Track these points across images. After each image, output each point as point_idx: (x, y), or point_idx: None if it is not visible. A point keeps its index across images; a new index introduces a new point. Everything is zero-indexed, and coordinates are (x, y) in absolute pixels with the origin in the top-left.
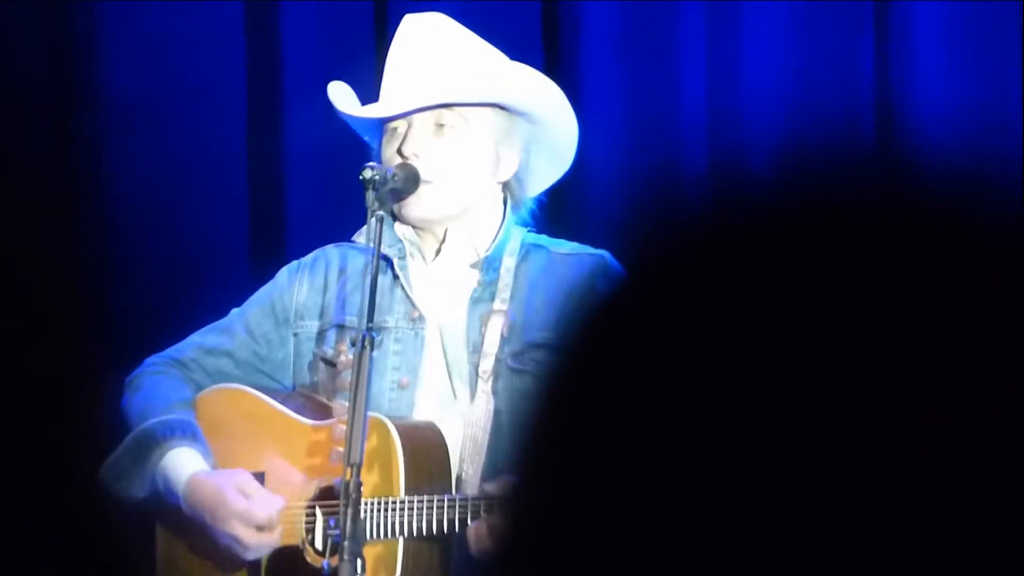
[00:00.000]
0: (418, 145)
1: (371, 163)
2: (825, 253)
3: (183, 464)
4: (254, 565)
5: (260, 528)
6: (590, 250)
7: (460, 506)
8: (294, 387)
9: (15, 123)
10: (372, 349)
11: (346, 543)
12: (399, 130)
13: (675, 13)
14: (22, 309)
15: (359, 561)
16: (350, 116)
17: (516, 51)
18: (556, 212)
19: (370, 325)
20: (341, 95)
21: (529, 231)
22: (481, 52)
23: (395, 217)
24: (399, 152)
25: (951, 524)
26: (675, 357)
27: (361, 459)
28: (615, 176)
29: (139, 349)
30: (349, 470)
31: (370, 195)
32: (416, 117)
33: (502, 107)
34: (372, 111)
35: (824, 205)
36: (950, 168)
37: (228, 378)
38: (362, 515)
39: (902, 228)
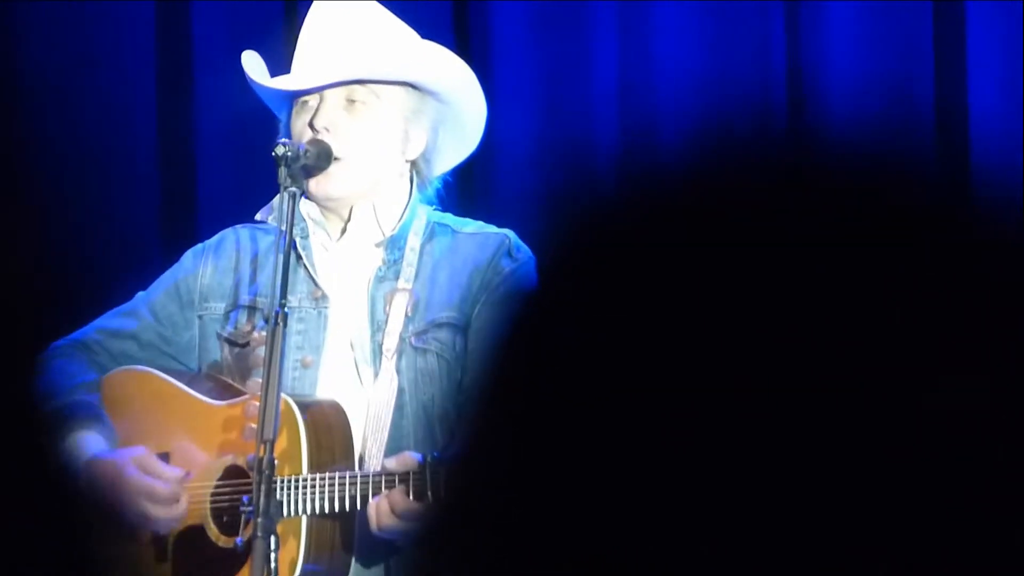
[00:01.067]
0: (329, 119)
1: (283, 139)
2: (735, 230)
3: (82, 447)
4: (160, 545)
5: (164, 501)
6: (494, 229)
7: (362, 483)
8: (199, 369)
9: None
10: (285, 325)
11: (259, 520)
12: (310, 103)
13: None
14: None
15: (272, 538)
16: (262, 87)
17: (426, 28)
18: (465, 191)
19: (283, 301)
20: (254, 65)
21: (435, 210)
22: (395, 30)
23: (303, 194)
24: (310, 125)
25: (935, 516)
26: (583, 335)
27: (275, 436)
28: (526, 154)
29: (48, 332)
30: (263, 447)
31: (282, 171)
32: (328, 92)
33: (413, 86)
34: (286, 83)
35: (735, 182)
36: (860, 142)
37: (133, 360)
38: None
39: (812, 203)
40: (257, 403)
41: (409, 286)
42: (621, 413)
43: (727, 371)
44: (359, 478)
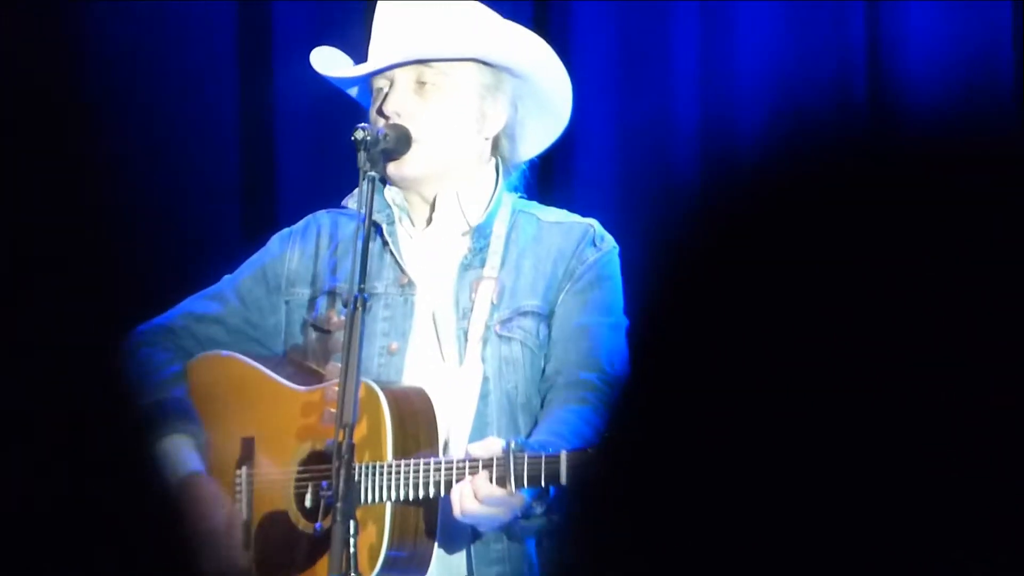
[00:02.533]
0: (399, 103)
1: (362, 124)
2: (816, 211)
3: (179, 458)
4: (243, 529)
5: (224, 547)
6: (578, 218)
7: (446, 469)
8: (285, 354)
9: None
10: (364, 311)
11: (339, 505)
12: (383, 90)
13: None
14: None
15: (352, 523)
16: (334, 78)
17: (506, 11)
18: (545, 178)
19: (361, 286)
20: (322, 58)
21: (520, 197)
22: (462, 7)
23: (384, 179)
24: (380, 112)
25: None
26: (673, 325)
27: (355, 420)
28: (606, 139)
29: (134, 315)
30: (342, 431)
31: (362, 156)
32: (398, 75)
33: (485, 62)
34: (346, 71)
35: (815, 162)
36: (940, 123)
37: (219, 345)
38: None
39: (892, 182)
40: (336, 388)
41: (495, 274)
42: (713, 399)
43: (832, 362)
44: (443, 464)
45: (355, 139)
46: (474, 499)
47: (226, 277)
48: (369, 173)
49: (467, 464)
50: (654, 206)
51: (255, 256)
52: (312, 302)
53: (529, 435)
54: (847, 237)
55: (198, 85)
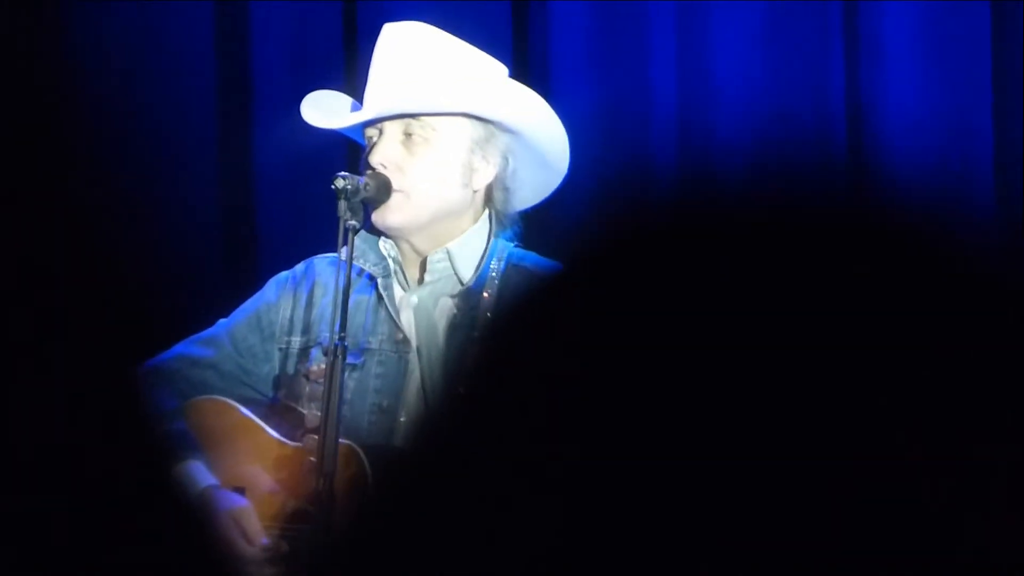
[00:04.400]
0: (384, 155)
1: (342, 172)
2: (794, 259)
3: (194, 476)
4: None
5: (249, 563)
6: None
7: None
8: (277, 399)
9: None
10: (344, 359)
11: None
12: (373, 139)
13: (645, 15)
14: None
15: None
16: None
17: (485, 42)
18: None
19: (342, 334)
20: (309, 107)
21: (516, 247)
22: (453, 61)
23: (370, 228)
24: (367, 161)
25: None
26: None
27: (334, 468)
28: (584, 181)
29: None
30: (321, 480)
31: (342, 204)
32: (387, 127)
33: (475, 116)
34: (330, 123)
35: (794, 211)
36: (920, 173)
37: (212, 389)
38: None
39: (872, 233)
40: (316, 436)
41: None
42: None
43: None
44: None
45: (335, 187)
46: None
47: (220, 321)
48: (349, 222)
49: None
50: (631, 206)
51: (250, 301)
52: (304, 352)
53: None
54: (827, 283)
55: (175, 119)
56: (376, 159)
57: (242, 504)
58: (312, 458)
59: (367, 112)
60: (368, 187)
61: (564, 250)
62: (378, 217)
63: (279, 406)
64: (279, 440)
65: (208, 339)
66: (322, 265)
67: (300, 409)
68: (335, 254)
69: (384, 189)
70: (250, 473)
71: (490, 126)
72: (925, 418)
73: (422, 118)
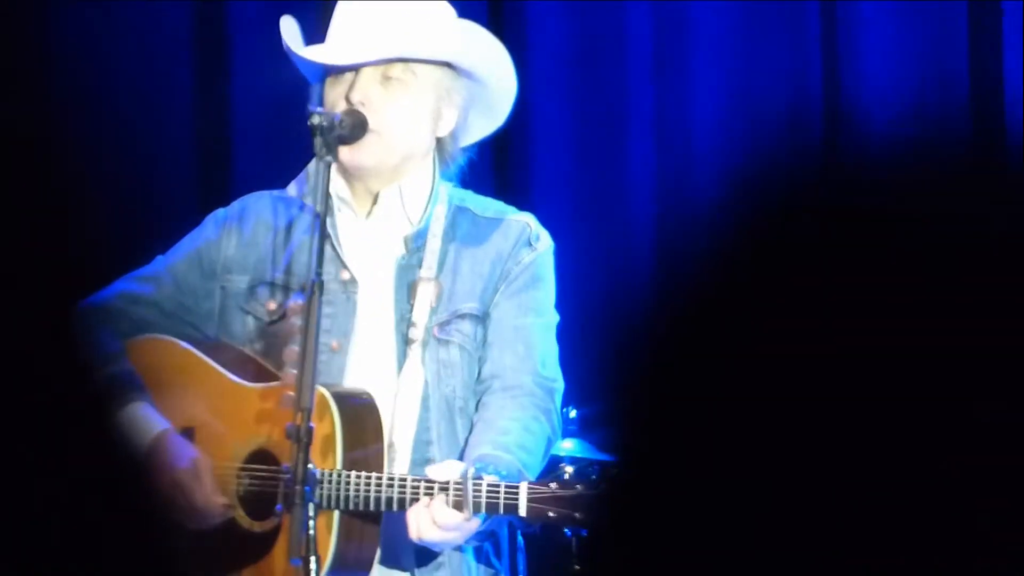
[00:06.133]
0: (365, 94)
1: (319, 109)
2: (769, 246)
3: (145, 421)
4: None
5: (201, 519)
6: (515, 213)
7: (399, 487)
8: (217, 338)
9: None
10: (321, 294)
11: (298, 488)
12: (346, 76)
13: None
14: None
15: (311, 506)
16: (297, 56)
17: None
18: (501, 165)
19: (319, 270)
20: (292, 33)
21: (455, 187)
22: (433, 6)
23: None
24: (347, 99)
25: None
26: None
27: (312, 404)
28: (562, 130)
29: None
30: (299, 415)
31: (318, 141)
32: (365, 66)
33: (450, 65)
34: (327, 56)
35: (770, 194)
36: (895, 158)
37: (154, 328)
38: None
39: (847, 218)
40: (282, 386)
41: (432, 275)
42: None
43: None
44: (396, 481)
45: (311, 124)
46: (432, 525)
47: (159, 257)
48: (325, 158)
49: (423, 484)
50: (609, 198)
51: (188, 237)
52: (251, 290)
53: (466, 441)
54: (805, 264)
55: (153, 63)
56: (357, 97)
57: (199, 456)
58: (290, 392)
59: (360, 52)
60: (343, 124)
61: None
62: (349, 156)
63: (223, 345)
64: (232, 379)
65: (149, 276)
66: (262, 203)
67: (244, 350)
68: (271, 191)
69: (360, 126)
70: (201, 413)
71: (458, 75)
72: None
73: (406, 62)
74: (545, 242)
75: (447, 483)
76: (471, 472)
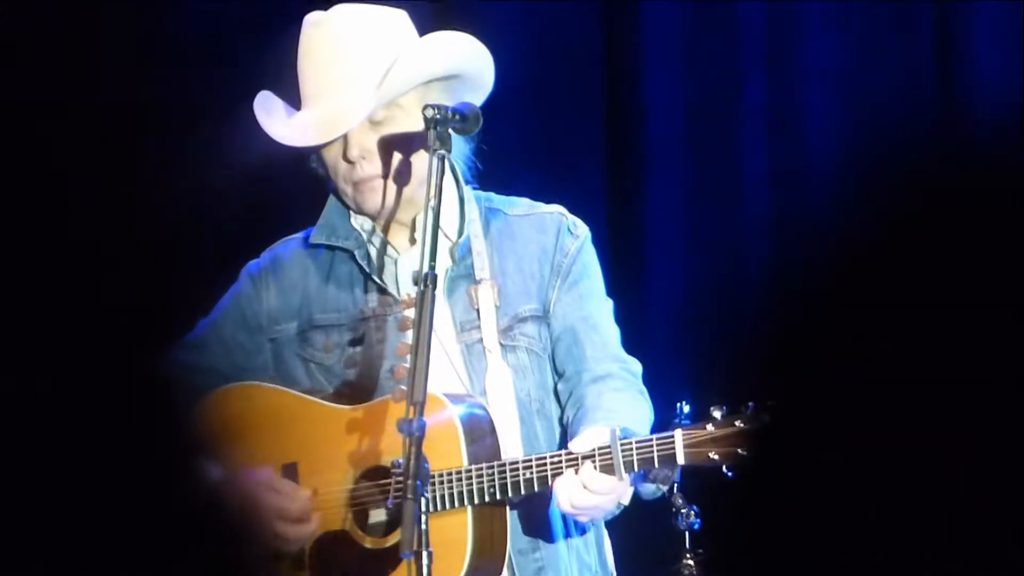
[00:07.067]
0: (362, 148)
1: (432, 103)
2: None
3: (207, 468)
4: (298, 555)
5: (295, 520)
6: (544, 207)
7: (538, 466)
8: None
9: None
10: (434, 287)
11: (410, 483)
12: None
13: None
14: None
15: (423, 500)
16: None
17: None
18: (615, 158)
19: (432, 263)
20: (275, 124)
21: (472, 189)
22: (391, 28)
23: (350, 208)
24: (345, 158)
25: None
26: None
27: (424, 398)
28: (674, 114)
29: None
30: (411, 408)
31: (431, 134)
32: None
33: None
34: (304, 139)
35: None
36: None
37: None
38: (429, 485)
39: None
40: (384, 403)
41: (487, 275)
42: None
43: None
44: (534, 461)
45: (425, 117)
46: (584, 490)
47: (202, 321)
48: (439, 151)
49: (564, 458)
50: (722, 191)
51: (228, 297)
52: (301, 335)
53: (564, 434)
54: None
55: None
56: (354, 153)
57: (266, 472)
58: (403, 387)
59: (341, 121)
60: (457, 116)
61: None
62: (367, 205)
63: (307, 389)
64: (331, 407)
65: (199, 343)
66: (289, 249)
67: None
68: (292, 236)
69: (474, 119)
70: (299, 445)
71: (437, 80)
72: None
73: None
74: (583, 228)
75: (592, 451)
76: (617, 432)
